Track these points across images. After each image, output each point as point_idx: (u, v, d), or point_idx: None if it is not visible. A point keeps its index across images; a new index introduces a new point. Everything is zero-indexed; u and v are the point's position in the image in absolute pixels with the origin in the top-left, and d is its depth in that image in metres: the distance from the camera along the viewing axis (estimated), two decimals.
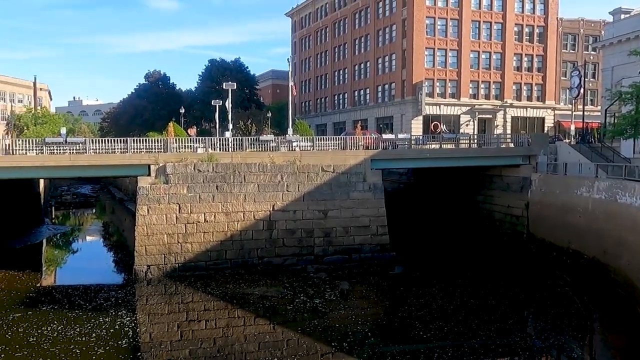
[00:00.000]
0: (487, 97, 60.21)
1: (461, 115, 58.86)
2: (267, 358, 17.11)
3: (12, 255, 32.16)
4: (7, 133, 66.96)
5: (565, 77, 60.99)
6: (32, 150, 28.07)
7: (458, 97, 58.87)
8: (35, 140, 29.66)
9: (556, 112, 62.24)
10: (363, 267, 28.01)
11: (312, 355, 17.45)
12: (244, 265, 27.17)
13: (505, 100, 60.34)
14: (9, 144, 28.33)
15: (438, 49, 57.83)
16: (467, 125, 58.70)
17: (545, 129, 60.62)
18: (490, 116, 60.26)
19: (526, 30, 60.66)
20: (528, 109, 61.43)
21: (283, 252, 27.96)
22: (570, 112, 52.37)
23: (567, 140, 42.48)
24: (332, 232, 28.70)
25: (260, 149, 30.24)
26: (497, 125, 59.92)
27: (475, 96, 59.74)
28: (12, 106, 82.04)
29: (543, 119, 61.99)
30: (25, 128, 62.34)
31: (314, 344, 18.26)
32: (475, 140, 37.68)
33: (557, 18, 61.47)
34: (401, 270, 28.40)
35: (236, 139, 31.27)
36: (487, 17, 59.17)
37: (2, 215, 35.16)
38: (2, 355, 16.80)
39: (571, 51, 63.07)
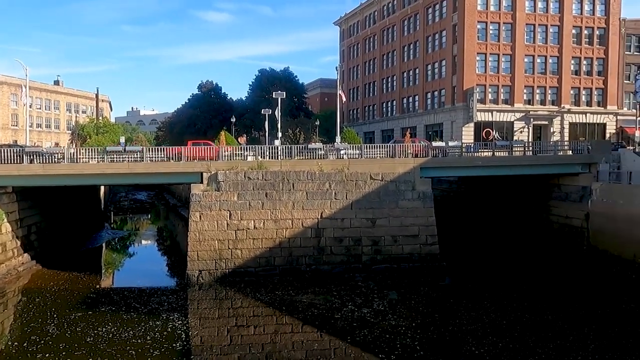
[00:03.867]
0: (542, 102, 58.00)
1: (515, 122, 57.00)
2: None
3: (77, 257, 34.00)
4: (71, 142, 71.40)
5: (629, 80, 57.80)
6: (94, 158, 29.64)
7: (512, 103, 57.06)
8: (97, 149, 31.32)
9: (619, 117, 59.06)
10: (412, 277, 27.50)
11: None
12: (292, 272, 27.35)
13: (562, 105, 57.90)
14: (73, 153, 30.00)
15: (490, 54, 56.45)
16: (521, 132, 56.76)
17: (607, 135, 57.58)
18: (547, 122, 57.95)
19: (585, 32, 58.11)
20: (587, 114, 58.66)
21: (331, 259, 27.94)
22: (634, 118, 49.43)
23: (631, 147, 40.06)
24: (380, 241, 28.41)
25: (309, 157, 30.46)
26: (554, 132, 57.55)
27: (530, 102, 57.72)
28: (76, 117, 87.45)
29: (604, 125, 58.97)
30: (88, 137, 66.19)
31: (362, 354, 18.03)
32: (530, 148, 36.25)
33: (619, 19, 58.48)
34: (451, 281, 27.64)
35: (285, 147, 31.65)
36: (543, 20, 57.17)
37: (73, 221, 37.30)
38: (63, 354, 17.64)
39: (635, 53, 59.77)
